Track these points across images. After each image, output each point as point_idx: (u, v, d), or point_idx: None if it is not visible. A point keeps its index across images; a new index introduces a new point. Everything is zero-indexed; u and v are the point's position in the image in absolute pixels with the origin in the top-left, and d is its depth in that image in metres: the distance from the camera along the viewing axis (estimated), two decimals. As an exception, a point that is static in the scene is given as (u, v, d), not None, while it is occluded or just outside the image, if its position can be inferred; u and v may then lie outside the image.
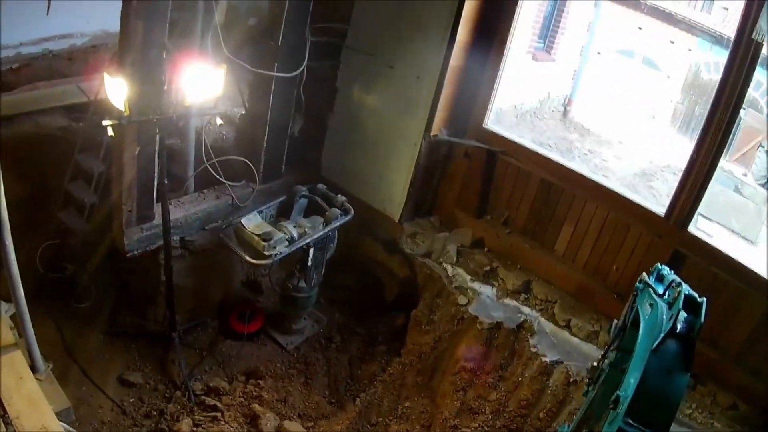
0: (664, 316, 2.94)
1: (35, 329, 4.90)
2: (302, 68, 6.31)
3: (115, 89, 4.95)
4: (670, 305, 2.96)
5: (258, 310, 6.82)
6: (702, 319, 2.84)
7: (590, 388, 3.75)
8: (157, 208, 5.77)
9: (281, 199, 6.45)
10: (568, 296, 6.25)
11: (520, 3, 6.20)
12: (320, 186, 6.59)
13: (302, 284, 6.40)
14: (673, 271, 3.39)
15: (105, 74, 4.99)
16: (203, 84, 5.14)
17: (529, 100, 11.92)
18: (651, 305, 3.11)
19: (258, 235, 5.83)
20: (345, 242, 6.76)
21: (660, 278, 3.35)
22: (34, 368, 4.93)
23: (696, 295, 2.95)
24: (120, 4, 4.99)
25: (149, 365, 6.17)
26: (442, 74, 6.32)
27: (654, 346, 2.80)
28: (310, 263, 6.28)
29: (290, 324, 6.78)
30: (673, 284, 3.12)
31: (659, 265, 3.49)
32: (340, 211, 6.34)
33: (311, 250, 6.21)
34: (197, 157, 6.21)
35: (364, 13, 6.82)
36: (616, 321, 3.74)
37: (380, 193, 7.09)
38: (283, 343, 6.71)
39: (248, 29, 6.50)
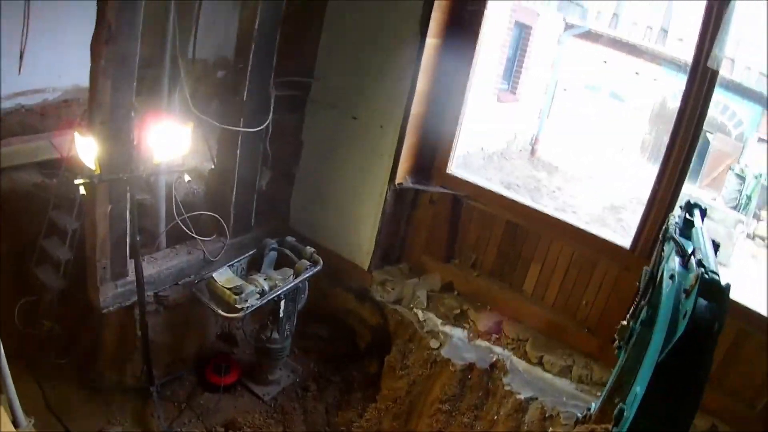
0: (680, 306, 2.33)
1: (16, 385, 4.96)
2: (267, 122, 6.43)
3: (86, 148, 5.04)
4: (687, 293, 2.29)
5: (234, 362, 6.84)
6: (725, 309, 2.18)
7: (622, 352, 3.26)
8: (131, 265, 5.83)
9: (251, 252, 6.53)
10: (540, 334, 6.33)
11: (477, 50, 6.40)
12: (289, 238, 6.68)
13: (275, 335, 6.44)
14: (701, 213, 3.08)
15: (75, 133, 5.09)
16: (171, 141, 5.25)
17: (496, 141, 12.09)
18: (672, 277, 2.56)
19: (229, 289, 5.89)
20: (316, 292, 6.81)
21: (689, 224, 2.96)
22: (16, 424, 4.96)
23: (718, 279, 2.25)
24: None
25: (129, 419, 6.17)
26: (404, 122, 6.46)
27: (663, 354, 2.20)
28: (281, 315, 6.33)
29: (266, 375, 6.79)
30: (696, 253, 2.55)
31: (691, 201, 3.15)
32: (309, 263, 6.40)
33: (282, 302, 6.26)
34: (168, 213, 6.28)
35: (326, 66, 6.99)
36: (646, 268, 3.22)
37: (349, 243, 7.18)
38: (259, 393, 6.72)
39: (216, 83, 6.60)
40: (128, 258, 5.88)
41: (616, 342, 3.30)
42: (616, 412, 2.36)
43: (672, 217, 3.01)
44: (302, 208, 7.62)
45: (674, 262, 2.59)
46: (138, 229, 5.57)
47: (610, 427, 2.57)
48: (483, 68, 6.75)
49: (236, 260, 6.38)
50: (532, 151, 13.58)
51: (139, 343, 6.03)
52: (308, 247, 6.55)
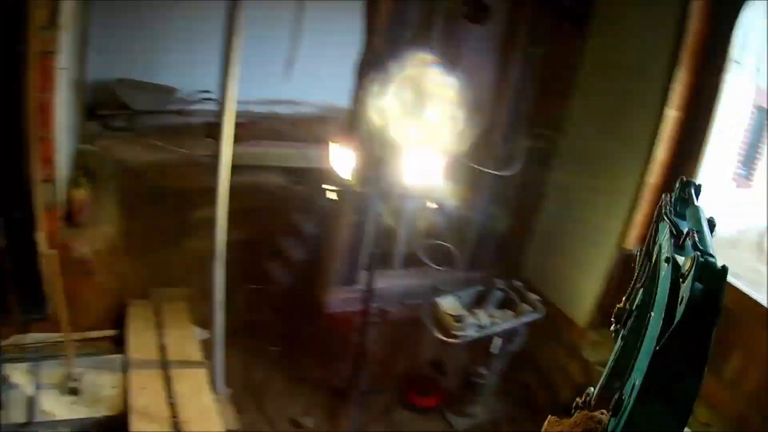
0: (677, 291, 2.22)
1: (225, 358, 5.50)
2: (516, 170, 6.72)
3: (341, 160, 5.40)
4: (683, 277, 1.84)
5: (437, 388, 7.06)
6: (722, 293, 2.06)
7: (620, 335, 3.06)
8: (362, 275, 6.20)
9: (478, 288, 6.73)
10: (728, 422, 6.17)
11: (714, 127, 6.45)
12: (516, 282, 6.80)
13: (484, 371, 6.65)
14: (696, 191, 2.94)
15: (332, 144, 5.45)
16: (425, 171, 5.42)
17: (727, 227, 11.77)
18: (667, 261, 2.48)
19: (451, 316, 6.15)
20: (530, 339, 6.86)
21: (683, 200, 2.89)
22: (214, 389, 5.52)
23: (714, 261, 1.77)
24: (348, 82, 5.71)
25: (322, 415, 6.55)
26: (639, 190, 6.53)
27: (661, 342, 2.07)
28: (494, 352, 6.50)
29: (465, 407, 6.95)
30: (691, 236, 2.02)
31: (685, 179, 2.96)
32: (530, 308, 6.53)
33: (497, 340, 6.43)
34: (407, 236, 6.65)
35: (573, 124, 7.20)
36: (640, 248, 3.05)
37: (571, 298, 7.21)
38: (453, 423, 6.88)
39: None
40: (362, 269, 6.28)
41: (613, 326, 3.10)
42: (614, 401, 2.28)
43: (666, 196, 2.84)
44: (533, 256, 7.76)
45: (669, 244, 2.23)
46: (375, 245, 5.96)
47: (606, 411, 2.41)
48: (720, 149, 6.74)
49: (463, 292, 6.61)
50: (762, 243, 13.07)
51: (354, 348, 6.25)
52: (532, 294, 6.67)
